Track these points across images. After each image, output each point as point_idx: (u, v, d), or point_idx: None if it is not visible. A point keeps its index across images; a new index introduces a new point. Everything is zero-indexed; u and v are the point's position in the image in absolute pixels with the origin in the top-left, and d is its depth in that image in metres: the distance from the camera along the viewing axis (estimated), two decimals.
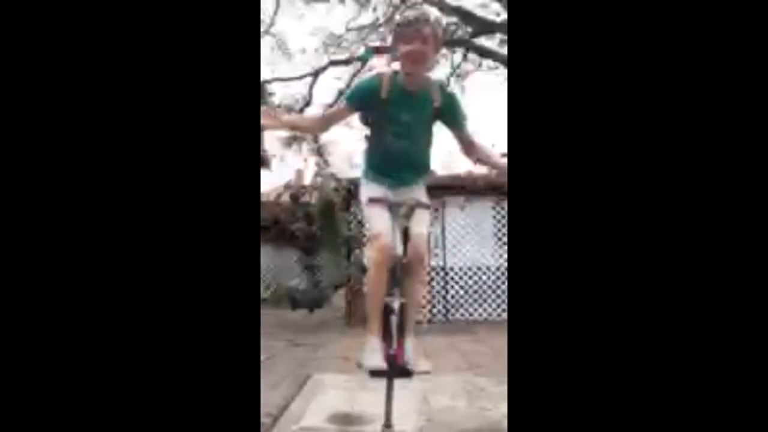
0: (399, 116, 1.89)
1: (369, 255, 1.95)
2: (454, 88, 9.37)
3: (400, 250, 1.90)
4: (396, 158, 1.99)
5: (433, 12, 1.88)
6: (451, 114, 1.94)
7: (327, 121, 2.13)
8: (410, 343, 1.93)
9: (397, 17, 1.88)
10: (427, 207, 2.02)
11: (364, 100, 1.92)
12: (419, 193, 2.03)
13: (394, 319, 1.87)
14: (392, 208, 1.93)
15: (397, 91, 1.86)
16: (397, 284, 1.89)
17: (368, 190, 2.02)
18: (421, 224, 1.99)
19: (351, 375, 3.01)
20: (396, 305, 1.87)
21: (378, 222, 1.94)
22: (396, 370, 1.86)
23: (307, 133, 2.04)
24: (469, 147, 2.01)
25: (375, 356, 1.84)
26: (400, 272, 1.90)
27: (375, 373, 1.84)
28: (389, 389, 1.90)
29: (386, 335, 1.88)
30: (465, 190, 6.27)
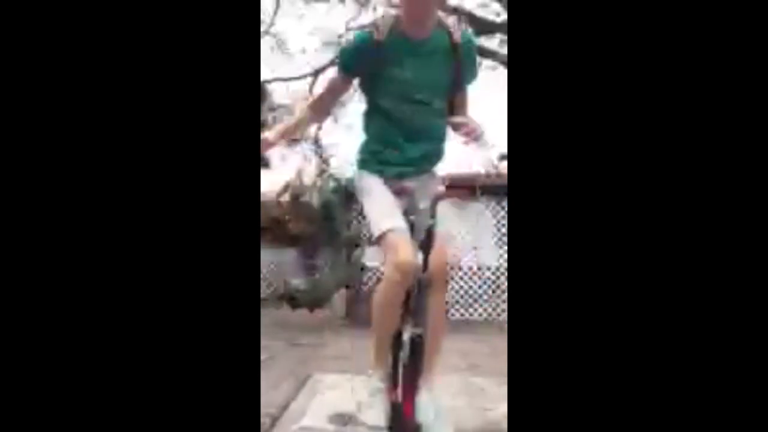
0: (402, 72, 1.43)
1: (385, 273, 1.42)
2: None
3: (419, 259, 1.39)
4: (400, 131, 1.50)
5: None
6: (468, 65, 1.48)
7: (325, 102, 1.69)
8: (426, 397, 1.39)
9: None
10: (457, 197, 1.53)
11: (360, 59, 1.47)
12: (435, 181, 1.54)
13: (402, 357, 1.39)
14: (406, 198, 1.44)
15: (397, 39, 1.41)
16: (415, 309, 1.40)
17: (367, 181, 1.55)
18: (446, 221, 1.49)
19: (351, 375, 3.01)
20: (406, 337, 1.39)
21: (387, 221, 1.42)
22: (402, 428, 1.34)
23: (312, 123, 1.80)
24: (460, 108, 1.52)
25: (375, 407, 1.42)
26: (418, 292, 1.39)
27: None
28: None
29: (395, 378, 1.42)
30: (465, 190, 6.25)
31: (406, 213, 1.47)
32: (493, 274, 6.31)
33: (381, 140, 1.58)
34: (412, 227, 1.44)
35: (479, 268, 6.35)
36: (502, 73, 8.22)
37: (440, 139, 1.60)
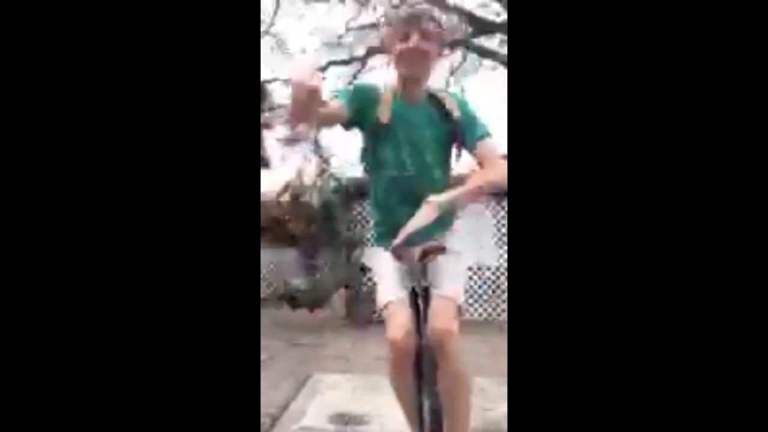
0: (400, 138, 1.43)
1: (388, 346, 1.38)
2: (453, 88, 9.46)
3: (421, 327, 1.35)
4: (404, 200, 1.45)
5: (434, 9, 1.44)
6: (472, 124, 1.46)
7: (312, 108, 1.46)
8: None
9: (388, 12, 1.42)
10: (442, 251, 1.40)
11: (361, 110, 1.42)
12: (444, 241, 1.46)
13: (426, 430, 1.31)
14: (408, 261, 1.39)
15: (398, 109, 1.43)
16: (427, 378, 1.33)
17: (376, 257, 1.53)
18: (446, 280, 1.40)
19: (351, 375, 3.01)
20: (426, 409, 1.32)
21: (387, 294, 1.41)
22: None
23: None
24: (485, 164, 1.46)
25: None
26: (425, 360, 1.34)
27: None
28: None
29: None
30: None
31: (411, 273, 1.42)
32: (493, 274, 6.31)
33: (384, 210, 1.55)
34: (416, 293, 1.39)
35: (479, 268, 6.35)
36: (502, 73, 8.22)
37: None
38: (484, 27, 8.20)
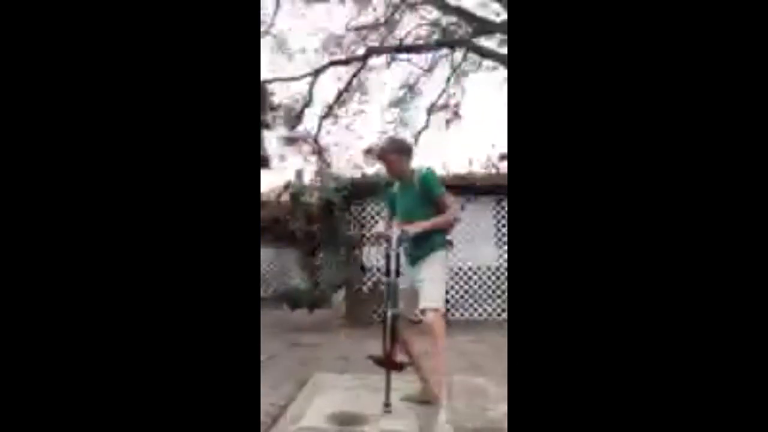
0: (399, 201, 2.75)
1: None
2: (453, 88, 9.54)
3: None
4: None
5: (395, 142, 2.77)
6: (425, 190, 2.61)
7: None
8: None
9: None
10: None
11: (391, 198, 2.82)
12: (424, 266, 2.55)
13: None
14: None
15: (399, 188, 2.77)
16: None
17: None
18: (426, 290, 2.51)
19: (351, 375, 3.01)
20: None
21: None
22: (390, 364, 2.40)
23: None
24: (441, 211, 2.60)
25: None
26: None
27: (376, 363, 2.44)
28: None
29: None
30: (465, 190, 6.27)
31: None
32: (493, 274, 6.32)
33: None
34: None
35: (479, 268, 6.35)
36: (502, 73, 8.22)
37: (426, 237, 2.61)
38: (484, 27, 8.20)
